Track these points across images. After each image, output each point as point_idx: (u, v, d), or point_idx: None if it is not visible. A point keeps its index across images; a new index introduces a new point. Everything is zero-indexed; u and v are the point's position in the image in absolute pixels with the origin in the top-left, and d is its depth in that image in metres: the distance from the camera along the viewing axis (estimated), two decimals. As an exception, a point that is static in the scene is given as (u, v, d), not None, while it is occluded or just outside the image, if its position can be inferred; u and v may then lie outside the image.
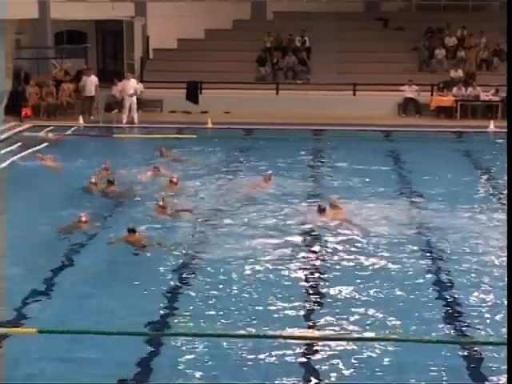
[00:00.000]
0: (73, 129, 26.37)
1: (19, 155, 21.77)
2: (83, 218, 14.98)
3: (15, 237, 14.67)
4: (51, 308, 11.56)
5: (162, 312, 11.41)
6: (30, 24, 29.02)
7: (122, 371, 9.58)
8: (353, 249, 14.24)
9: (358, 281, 12.65)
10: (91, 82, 28.26)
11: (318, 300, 12.00)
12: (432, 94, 28.95)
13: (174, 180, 18.12)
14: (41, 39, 29.93)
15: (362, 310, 11.51)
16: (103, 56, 35.59)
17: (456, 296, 12.10)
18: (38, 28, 29.61)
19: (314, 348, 10.38)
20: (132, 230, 14.16)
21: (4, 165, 20.61)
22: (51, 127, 25.72)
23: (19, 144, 23.23)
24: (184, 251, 14.06)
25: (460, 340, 10.61)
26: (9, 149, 22.81)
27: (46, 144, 23.18)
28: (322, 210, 15.83)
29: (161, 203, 16.23)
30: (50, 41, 30.57)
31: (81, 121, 27.14)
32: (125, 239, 14.10)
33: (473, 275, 12.84)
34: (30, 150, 22.17)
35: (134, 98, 27.38)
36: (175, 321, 11.18)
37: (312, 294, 12.24)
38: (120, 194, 17.62)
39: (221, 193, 18.27)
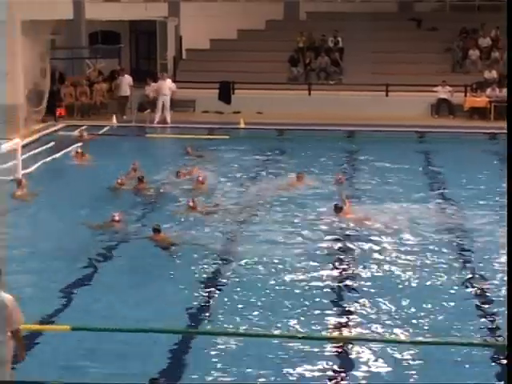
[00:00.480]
0: (106, 128, 26.59)
1: (53, 155, 22.01)
2: (116, 218, 15.13)
3: (49, 235, 14.89)
4: (84, 306, 11.69)
5: (192, 310, 11.50)
6: (65, 25, 29.29)
7: (153, 369, 9.66)
8: (381, 250, 14.27)
9: (387, 282, 12.69)
10: (125, 81, 28.48)
11: (346, 300, 12.05)
12: (466, 95, 28.75)
13: (201, 179, 18.27)
14: (75, 39, 30.22)
15: (388, 310, 11.53)
16: (136, 56, 35.85)
17: (487, 298, 12.06)
18: (72, 28, 29.91)
19: (342, 349, 10.41)
20: (157, 230, 14.25)
21: (38, 164, 20.83)
22: (85, 127, 25.96)
23: (53, 143, 23.50)
24: (214, 250, 14.15)
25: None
26: (43, 148, 23.08)
27: (79, 143, 23.39)
28: (338, 209, 15.95)
29: (191, 203, 16.35)
30: (84, 41, 30.85)
31: (114, 120, 27.35)
32: (150, 238, 14.19)
33: (504, 278, 12.77)
34: (64, 150, 22.42)
35: (168, 97, 27.55)
36: (205, 319, 11.26)
37: (339, 294, 12.29)
38: (150, 192, 17.73)
39: (251, 193, 18.36)
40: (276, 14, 34.09)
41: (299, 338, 10.55)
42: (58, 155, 22.02)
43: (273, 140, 25.25)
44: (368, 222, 15.70)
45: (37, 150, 22.60)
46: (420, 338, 10.62)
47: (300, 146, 23.78)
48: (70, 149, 22.52)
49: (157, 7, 32.62)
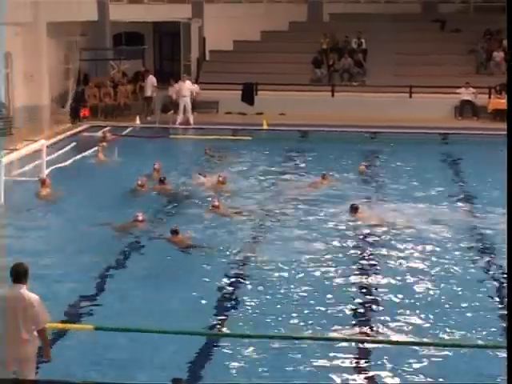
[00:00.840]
0: (129, 129, 26.73)
1: (77, 155, 22.16)
2: (140, 218, 15.22)
3: (73, 235, 15.00)
4: (107, 305, 11.76)
5: (214, 312, 11.54)
6: (89, 26, 29.48)
7: (175, 369, 9.72)
8: (401, 251, 14.26)
9: (408, 284, 12.66)
10: (149, 82, 28.60)
11: (368, 302, 12.03)
12: (490, 97, 28.60)
13: (221, 179, 18.37)
14: (100, 41, 30.40)
15: (410, 312, 11.52)
16: (160, 57, 36.00)
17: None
18: (97, 30, 30.08)
19: (365, 351, 10.40)
20: (175, 232, 14.27)
21: (62, 165, 20.97)
22: (108, 128, 26.12)
23: (76, 144, 23.65)
24: (236, 251, 14.20)
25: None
26: (67, 148, 23.24)
27: (102, 144, 23.51)
28: (354, 210, 16.06)
29: (216, 203, 16.42)
30: (108, 42, 31.04)
31: (137, 121, 27.48)
32: (168, 240, 14.23)
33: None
34: (87, 151, 22.57)
35: (189, 99, 27.65)
36: (227, 321, 11.29)
37: (361, 297, 12.27)
38: (171, 192, 17.79)
39: (273, 194, 18.41)
40: (299, 16, 34.12)
41: (319, 340, 10.57)
42: (81, 155, 22.16)
43: (296, 141, 25.26)
44: (385, 223, 15.72)
45: (61, 151, 22.76)
46: (421, 340, 10.58)
47: (323, 148, 23.78)
48: (92, 150, 22.68)
49: (181, 8, 32.75)
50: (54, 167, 20.19)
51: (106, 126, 26.44)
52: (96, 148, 22.62)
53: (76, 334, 10.75)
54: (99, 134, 25.08)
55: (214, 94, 29.26)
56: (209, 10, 33.37)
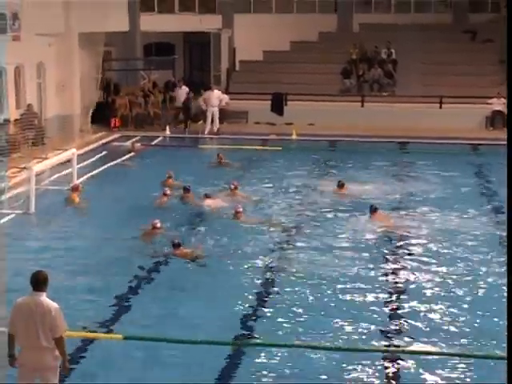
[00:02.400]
0: (159, 139, 26.83)
1: (106, 164, 22.28)
2: (158, 225, 15.29)
3: (101, 244, 15.06)
4: (135, 315, 11.79)
5: (240, 322, 11.52)
6: (121, 36, 29.70)
7: (200, 379, 9.72)
8: (430, 259, 14.23)
9: (436, 294, 12.60)
10: (181, 93, 28.66)
11: (396, 312, 11.95)
12: (521, 107, 28.31)
13: (232, 187, 18.48)
14: (130, 51, 30.61)
15: (440, 322, 11.43)
16: (190, 67, 36.14)
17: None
18: (128, 40, 30.29)
19: (391, 361, 10.32)
20: (177, 245, 14.18)
21: (92, 173, 21.10)
22: (137, 138, 26.25)
23: (107, 153, 23.77)
24: (261, 260, 14.22)
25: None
26: (97, 157, 23.39)
27: (132, 154, 23.65)
28: (373, 210, 16.51)
29: (239, 209, 16.48)
30: (139, 52, 31.23)
31: (167, 131, 27.59)
32: (171, 253, 14.14)
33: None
34: (117, 160, 22.69)
35: (217, 109, 27.72)
36: (253, 330, 11.27)
37: (388, 306, 12.19)
38: (195, 202, 17.74)
39: (299, 203, 18.41)
40: (329, 26, 34.12)
41: (344, 350, 10.51)
42: (110, 165, 22.27)
43: (325, 151, 25.20)
44: (401, 227, 16.02)
45: (91, 160, 22.91)
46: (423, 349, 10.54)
47: (352, 158, 23.70)
48: (122, 159, 22.80)
49: (211, 19, 32.88)
50: (84, 176, 20.32)
51: (136, 136, 26.58)
52: (125, 157, 22.75)
53: (105, 342, 10.77)
54: (128, 143, 25.21)
55: (243, 104, 29.31)
56: (239, 20, 33.48)
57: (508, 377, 7.34)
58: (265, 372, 9.96)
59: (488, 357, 10.34)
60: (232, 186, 18.53)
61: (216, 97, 27.91)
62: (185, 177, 19.90)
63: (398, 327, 11.38)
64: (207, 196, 18.00)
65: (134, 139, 25.65)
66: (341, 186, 19.11)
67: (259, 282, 13.23)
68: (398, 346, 10.74)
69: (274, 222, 16.64)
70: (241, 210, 16.55)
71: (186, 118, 28.43)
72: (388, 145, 25.63)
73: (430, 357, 10.40)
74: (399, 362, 10.31)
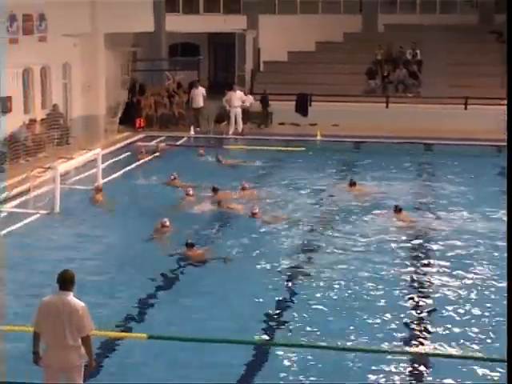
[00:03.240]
0: (184, 139, 26.90)
1: (131, 164, 22.38)
2: (167, 223, 15.44)
3: (123, 245, 15.13)
4: (160, 314, 11.83)
5: (265, 320, 11.53)
6: (146, 37, 29.81)
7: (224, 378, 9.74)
8: (453, 260, 14.23)
9: (461, 296, 12.55)
10: (198, 93, 28.68)
11: (422, 312, 11.94)
12: (547, 109, 28.09)
13: (246, 185, 18.69)
14: (156, 51, 30.72)
15: (463, 324, 11.39)
16: (215, 68, 36.19)
17: None
18: (153, 41, 30.41)
19: (418, 364, 10.28)
20: (190, 245, 14.18)
21: (117, 174, 21.20)
22: (161, 138, 26.32)
23: (131, 154, 23.87)
24: (282, 259, 14.23)
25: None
26: (121, 157, 23.51)
27: (156, 154, 23.73)
28: (398, 211, 16.59)
29: (255, 210, 16.63)
30: (164, 53, 31.33)
31: (192, 132, 27.65)
32: (183, 254, 14.14)
33: None
34: (141, 160, 22.78)
35: (239, 109, 27.74)
36: (277, 329, 11.29)
37: (414, 307, 12.17)
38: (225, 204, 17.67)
39: (320, 204, 18.41)
40: (354, 27, 34.01)
41: (367, 352, 10.49)
42: (135, 165, 22.36)
43: (349, 152, 25.15)
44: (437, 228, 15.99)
45: (115, 159, 23.04)
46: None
47: (376, 159, 23.63)
48: (148, 158, 22.90)
49: (236, 20, 32.91)
50: (109, 176, 20.42)
51: (161, 136, 26.67)
52: (150, 157, 22.86)
53: (129, 342, 10.81)
54: (153, 143, 25.30)
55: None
56: (264, 21, 33.46)
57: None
58: (286, 372, 9.96)
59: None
60: (246, 186, 18.68)
61: (238, 97, 27.92)
62: (204, 177, 20.00)
63: (421, 329, 11.34)
64: (215, 190, 18.21)
65: (156, 140, 25.75)
66: (352, 184, 19.23)
67: (280, 282, 13.22)
68: (423, 349, 10.69)
69: (293, 221, 16.63)
70: (257, 210, 16.63)
71: (196, 119, 28.42)
72: (413, 146, 25.51)
73: (454, 360, 10.35)
74: (423, 364, 10.26)
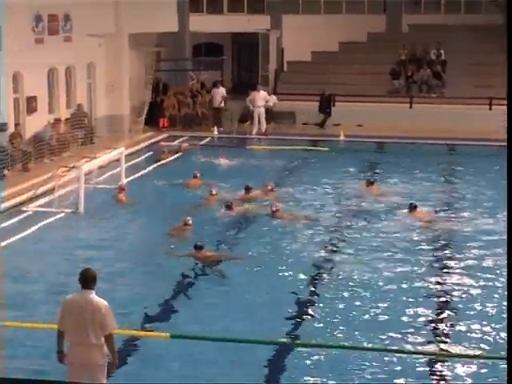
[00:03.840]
0: (207, 139, 26.95)
1: (154, 164, 22.46)
2: (189, 222, 15.52)
3: (146, 244, 15.20)
4: (182, 313, 11.88)
5: (285, 321, 11.54)
6: (170, 37, 29.90)
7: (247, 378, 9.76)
8: (474, 261, 14.22)
9: (482, 298, 12.49)
10: (218, 93, 28.68)
11: (444, 313, 11.91)
12: None
13: (270, 188, 18.66)
14: (179, 51, 30.80)
15: (482, 325, 11.34)
16: (238, 68, 36.23)
17: None
18: (177, 41, 30.49)
19: (439, 365, 10.26)
20: (199, 247, 14.10)
21: (140, 173, 21.29)
22: (184, 138, 26.39)
23: (154, 153, 23.94)
24: (305, 259, 14.26)
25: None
26: (145, 157, 23.60)
27: (180, 154, 23.80)
28: (413, 208, 16.79)
29: (274, 208, 16.66)
30: (188, 53, 31.40)
31: (215, 132, 27.70)
32: (192, 255, 14.07)
33: None
34: (164, 160, 22.85)
35: (263, 109, 27.75)
36: (299, 330, 11.30)
37: (437, 307, 12.15)
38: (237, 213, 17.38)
39: (342, 204, 18.45)
40: (378, 27, 33.90)
41: (388, 351, 10.47)
42: (158, 164, 22.43)
43: (372, 153, 25.09)
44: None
45: (139, 159, 23.15)
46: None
47: (400, 159, 23.56)
48: (169, 159, 22.98)
49: (259, 20, 32.93)
50: (132, 176, 20.52)
51: (184, 136, 26.75)
52: (173, 157, 22.96)
53: (152, 341, 10.86)
54: (175, 143, 25.38)
55: (291, 104, 29.25)
56: (287, 21, 33.45)
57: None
58: (308, 372, 9.97)
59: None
60: (269, 187, 18.67)
61: (262, 97, 27.93)
62: (227, 178, 20.11)
63: (442, 330, 11.31)
64: (247, 189, 18.28)
65: (179, 140, 25.83)
66: (370, 183, 19.26)
67: (302, 281, 13.23)
68: (444, 349, 10.67)
69: (314, 221, 16.67)
70: (278, 207, 16.70)
71: (217, 119, 28.42)
72: (436, 147, 25.41)
73: (475, 360, 10.31)
74: (444, 365, 10.23)
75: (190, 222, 15.57)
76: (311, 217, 16.93)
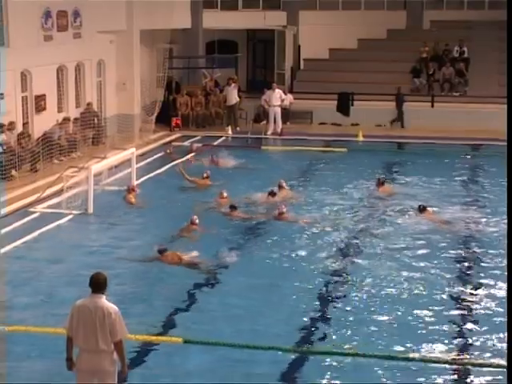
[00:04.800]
0: (221, 139, 26.96)
1: (166, 165, 22.48)
2: (196, 221, 15.64)
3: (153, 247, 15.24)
4: (194, 318, 11.90)
5: (300, 328, 11.55)
6: (182, 34, 29.95)
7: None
8: (495, 264, 14.21)
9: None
10: (231, 91, 28.68)
11: (463, 320, 11.90)
12: None
13: (283, 185, 18.81)
14: (192, 49, 30.84)
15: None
16: (253, 65, 36.24)
17: None
18: (190, 37, 30.53)
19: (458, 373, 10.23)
20: (163, 250, 14.06)
21: (151, 174, 21.32)
22: (199, 137, 26.40)
23: (166, 154, 23.97)
24: (318, 263, 14.28)
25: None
26: (156, 157, 23.64)
27: (192, 154, 23.80)
28: (422, 210, 16.84)
29: (283, 209, 16.78)
30: (201, 50, 31.44)
31: (229, 131, 27.71)
32: (155, 258, 14.06)
33: None
34: (177, 161, 22.86)
35: (278, 109, 27.74)
36: (313, 337, 11.29)
37: (456, 314, 12.13)
38: (244, 217, 17.29)
39: (359, 207, 18.44)
40: (398, 23, 33.85)
41: (408, 360, 10.44)
42: (169, 165, 22.45)
43: (392, 154, 25.03)
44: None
45: (150, 160, 23.20)
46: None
47: (421, 161, 23.51)
48: (183, 159, 23.00)
49: (275, 16, 32.95)
50: (143, 177, 20.57)
51: (197, 136, 26.76)
52: (185, 158, 23.00)
53: (165, 346, 10.87)
54: (188, 143, 25.38)
55: (307, 103, 29.31)
56: (304, 17, 33.47)
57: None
58: (324, 380, 9.95)
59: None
60: (283, 184, 18.83)
61: (277, 96, 27.92)
62: (242, 179, 20.14)
63: (464, 338, 11.28)
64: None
65: (191, 140, 25.85)
66: (380, 183, 19.29)
67: (318, 287, 13.24)
68: (464, 358, 10.64)
69: (329, 225, 16.70)
70: (284, 210, 16.78)
71: (230, 118, 28.42)
72: (460, 147, 25.30)
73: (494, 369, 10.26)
74: (467, 373, 10.21)
75: (197, 221, 15.68)
76: (318, 219, 16.97)
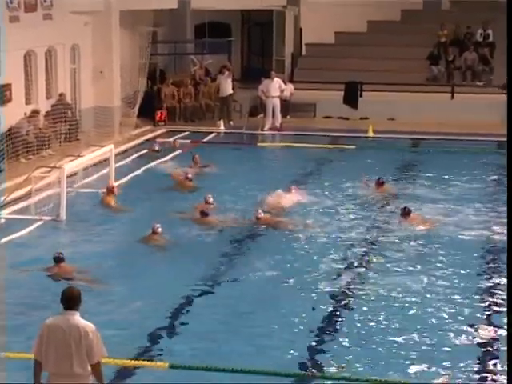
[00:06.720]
0: (212, 135, 26.97)
1: (148, 164, 22.49)
2: (159, 230, 15.76)
3: (137, 256, 15.22)
4: (181, 339, 11.90)
5: (303, 349, 11.57)
6: (168, 15, 29.97)
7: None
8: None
9: None
10: (225, 81, 28.60)
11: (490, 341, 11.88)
12: None
13: (293, 189, 19.02)
14: (179, 32, 30.87)
15: None
16: (249, 51, 36.29)
17: None
18: (176, 19, 30.54)
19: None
20: (60, 260, 13.91)
21: (132, 174, 21.33)
22: (187, 133, 26.40)
23: (149, 152, 23.97)
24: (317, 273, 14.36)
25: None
26: (137, 156, 23.66)
27: (179, 152, 23.77)
28: (405, 214, 17.13)
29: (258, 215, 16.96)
30: (189, 34, 31.46)
31: (221, 126, 27.72)
32: (49, 270, 13.91)
33: None
34: (160, 159, 22.86)
35: (277, 100, 27.74)
36: (318, 360, 11.29)
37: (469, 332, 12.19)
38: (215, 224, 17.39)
39: (368, 210, 18.57)
40: (414, 3, 33.86)
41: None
42: (152, 164, 22.45)
43: (407, 151, 25.09)
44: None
45: (131, 158, 23.20)
46: None
47: (439, 159, 23.56)
48: (168, 157, 23.00)
49: (274, -5, 32.98)
50: (124, 178, 20.58)
51: (184, 131, 26.77)
52: (171, 156, 23.01)
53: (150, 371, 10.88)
54: (176, 139, 25.37)
55: (310, 94, 29.34)
56: (307, -4, 33.51)
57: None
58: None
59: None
60: (292, 190, 18.97)
61: (276, 86, 27.92)
62: (231, 181, 20.23)
63: (487, 362, 11.24)
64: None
65: (182, 134, 25.83)
66: (380, 184, 19.51)
67: (320, 299, 13.33)
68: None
69: (331, 229, 16.92)
70: (261, 214, 16.97)
71: (223, 111, 28.47)
72: (483, 144, 25.36)
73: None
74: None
75: (160, 229, 15.75)
76: (310, 225, 17.11)
